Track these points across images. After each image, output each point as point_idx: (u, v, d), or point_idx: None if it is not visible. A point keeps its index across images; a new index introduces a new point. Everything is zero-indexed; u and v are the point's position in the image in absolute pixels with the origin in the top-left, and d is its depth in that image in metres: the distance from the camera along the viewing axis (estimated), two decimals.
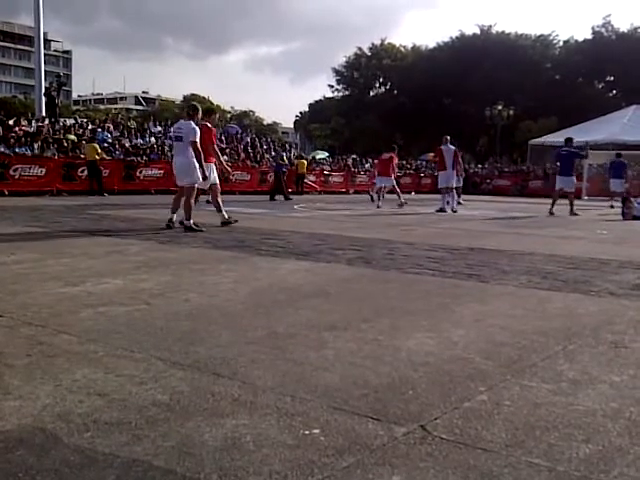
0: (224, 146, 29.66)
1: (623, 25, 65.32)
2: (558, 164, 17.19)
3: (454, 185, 17.57)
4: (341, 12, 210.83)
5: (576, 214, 16.26)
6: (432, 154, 40.35)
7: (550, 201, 16.75)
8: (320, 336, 3.62)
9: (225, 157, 27.01)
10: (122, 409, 2.47)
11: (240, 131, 36.18)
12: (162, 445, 2.17)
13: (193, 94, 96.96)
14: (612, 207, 19.45)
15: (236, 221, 10.71)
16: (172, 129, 10.71)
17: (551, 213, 16.25)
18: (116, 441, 2.19)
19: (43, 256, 6.57)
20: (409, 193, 33.65)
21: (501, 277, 5.95)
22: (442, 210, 16.50)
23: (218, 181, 10.73)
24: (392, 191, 19.09)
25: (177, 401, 2.57)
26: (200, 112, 10.34)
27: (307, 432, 2.30)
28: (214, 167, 10.62)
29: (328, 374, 2.95)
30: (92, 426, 2.30)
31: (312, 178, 28.28)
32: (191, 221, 9.64)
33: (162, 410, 2.47)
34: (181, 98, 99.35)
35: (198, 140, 9.71)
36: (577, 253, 7.96)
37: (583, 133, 35.85)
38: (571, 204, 16.73)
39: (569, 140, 17.60)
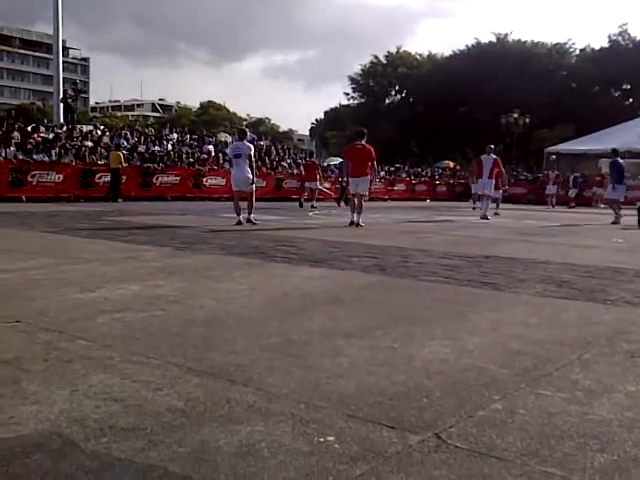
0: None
1: None
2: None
3: (491, 193, 17.93)
4: (356, 20, 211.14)
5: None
6: (447, 161, 40.51)
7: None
8: (335, 343, 3.62)
9: None
10: (138, 415, 2.49)
11: (256, 138, 36.31)
12: (177, 451, 2.18)
13: (210, 101, 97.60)
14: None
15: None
16: (230, 148, 13.68)
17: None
18: (132, 447, 2.20)
19: (59, 262, 6.62)
20: (424, 200, 33.69)
21: (516, 285, 5.93)
22: (484, 217, 17.01)
23: (367, 192, 13.75)
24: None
25: (192, 407, 2.59)
26: (248, 135, 13.72)
27: (322, 439, 2.31)
28: (368, 180, 13.48)
29: (343, 381, 2.96)
30: (108, 431, 2.32)
31: (327, 185, 28.25)
32: (252, 215, 12.58)
33: (177, 416, 2.49)
34: (198, 105, 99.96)
35: (253, 154, 13.01)
36: (592, 262, 7.91)
37: (599, 141, 35.70)
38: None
39: (615, 151, 18.15)
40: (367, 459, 2.16)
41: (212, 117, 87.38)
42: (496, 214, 19.22)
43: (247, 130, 14.01)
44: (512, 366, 3.27)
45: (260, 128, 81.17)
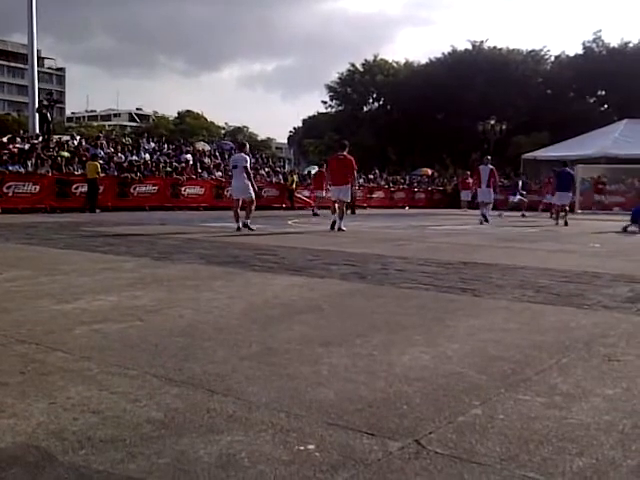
0: (219, 162, 29.72)
1: (613, 40, 65.75)
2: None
3: (491, 200, 19.67)
4: (334, 29, 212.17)
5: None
6: (425, 168, 41.33)
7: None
8: (314, 352, 3.62)
9: (219, 173, 27.26)
10: (116, 426, 2.47)
11: (234, 147, 36.25)
12: (157, 462, 2.17)
13: (187, 110, 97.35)
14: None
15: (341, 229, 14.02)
16: (231, 160, 15.30)
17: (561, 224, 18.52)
18: (111, 459, 2.18)
19: (36, 273, 6.56)
20: (403, 207, 33.82)
21: (495, 291, 5.97)
22: (486, 221, 18.50)
23: (349, 199, 15.10)
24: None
25: (172, 418, 2.57)
26: (247, 147, 15.10)
27: (302, 448, 2.30)
28: (349, 188, 14.47)
29: (323, 389, 2.96)
30: (86, 444, 2.30)
31: (306, 194, 28.27)
32: (248, 221, 13.48)
33: (157, 427, 2.47)
34: (175, 114, 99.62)
35: (249, 166, 14.00)
36: (570, 266, 7.98)
37: (575, 147, 36.06)
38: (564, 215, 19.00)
39: (564, 162, 20.88)
40: (347, 467, 2.16)
41: (190, 126, 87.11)
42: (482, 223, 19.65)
43: (245, 142, 15.39)
44: (491, 371, 3.29)
45: (238, 137, 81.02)
